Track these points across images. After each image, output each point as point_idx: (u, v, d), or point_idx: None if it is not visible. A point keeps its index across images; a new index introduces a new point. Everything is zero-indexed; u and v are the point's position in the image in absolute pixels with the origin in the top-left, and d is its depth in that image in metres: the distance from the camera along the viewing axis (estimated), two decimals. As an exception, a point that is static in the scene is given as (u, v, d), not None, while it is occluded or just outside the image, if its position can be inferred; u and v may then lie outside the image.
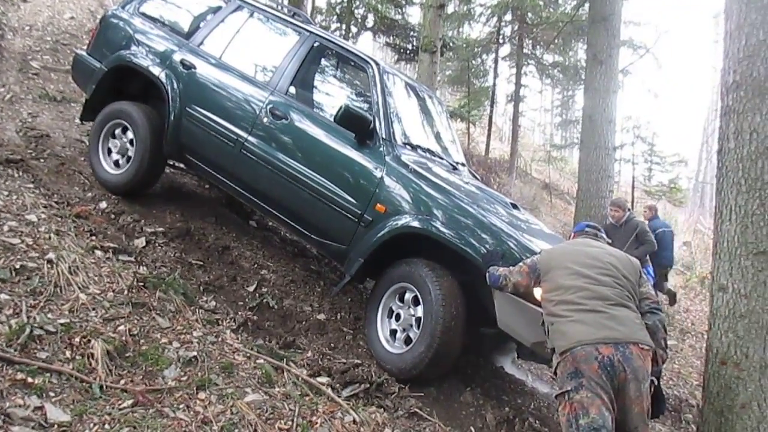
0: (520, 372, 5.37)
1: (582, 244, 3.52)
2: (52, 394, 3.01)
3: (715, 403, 3.60)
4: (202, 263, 4.91)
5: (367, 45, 21.56)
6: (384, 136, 4.50)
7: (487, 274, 3.73)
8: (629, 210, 7.74)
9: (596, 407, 2.80)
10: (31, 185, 4.97)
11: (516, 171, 15.79)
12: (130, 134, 5.28)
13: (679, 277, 12.54)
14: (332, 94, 5.36)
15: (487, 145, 16.36)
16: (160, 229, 5.10)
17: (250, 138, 4.83)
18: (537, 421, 4.37)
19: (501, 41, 16.27)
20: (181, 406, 3.24)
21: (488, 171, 13.62)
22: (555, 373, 3.11)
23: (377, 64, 4.85)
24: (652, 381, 3.04)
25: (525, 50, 16.37)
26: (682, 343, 8.35)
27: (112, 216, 5.06)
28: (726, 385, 3.55)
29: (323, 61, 5.36)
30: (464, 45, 15.58)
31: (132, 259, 4.52)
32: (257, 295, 4.78)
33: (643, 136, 15.95)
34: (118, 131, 5.36)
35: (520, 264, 3.56)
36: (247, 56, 5.25)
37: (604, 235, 3.76)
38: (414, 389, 4.00)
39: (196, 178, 6.53)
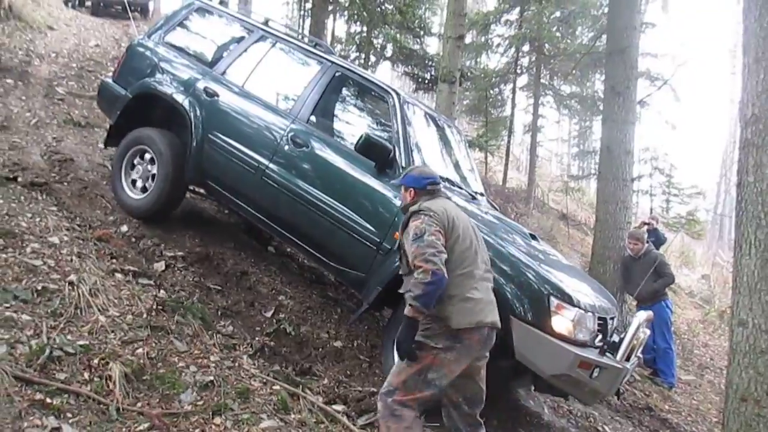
0: (536, 405, 5.32)
1: (454, 207, 3.41)
2: (69, 415, 3.04)
3: (735, 440, 3.54)
4: (220, 288, 4.95)
5: (385, 74, 21.80)
6: (404, 165, 4.54)
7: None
8: (648, 242, 7.68)
9: (452, 372, 3.12)
10: (54, 208, 5.06)
11: (533, 201, 15.77)
12: (150, 158, 5.37)
13: (698, 311, 12.39)
14: (353, 123, 5.43)
15: (505, 174, 16.37)
16: (180, 253, 5.16)
17: (271, 165, 4.89)
18: (553, 455, 4.32)
19: (519, 72, 16.38)
20: (197, 430, 3.25)
21: (506, 200, 13.61)
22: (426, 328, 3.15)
23: (398, 94, 4.91)
24: None
25: (542, 81, 16.46)
26: (700, 378, 8.22)
27: (133, 240, 5.13)
28: (746, 423, 3.50)
29: (344, 91, 5.44)
30: (482, 75, 15.69)
31: (151, 282, 4.56)
32: (274, 321, 4.79)
33: (660, 167, 15.86)
34: (140, 157, 5.46)
35: (436, 232, 3.13)
36: (269, 85, 5.35)
37: None
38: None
39: (215, 204, 6.60)
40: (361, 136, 4.45)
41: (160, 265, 4.90)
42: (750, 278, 3.59)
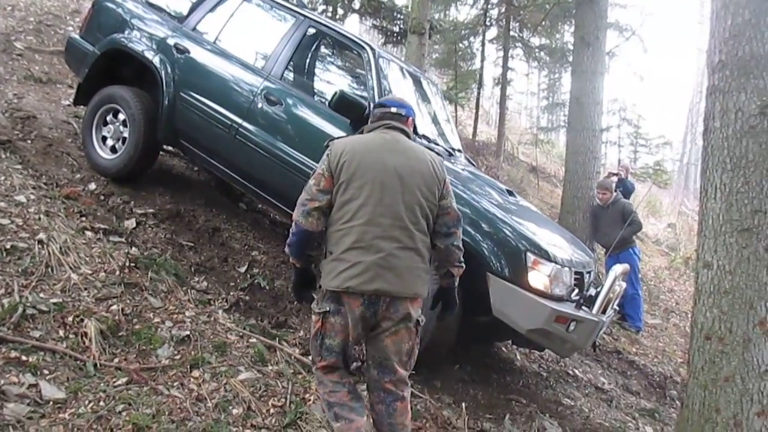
0: (509, 351, 5.45)
1: (380, 145, 2.82)
2: (46, 372, 3.05)
3: (699, 377, 3.67)
4: (192, 244, 4.93)
5: (353, 27, 21.42)
6: None
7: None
8: (616, 192, 7.80)
9: (347, 336, 2.74)
10: (19, 166, 4.95)
11: (503, 154, 15.81)
12: (123, 118, 5.25)
13: (664, 258, 12.69)
14: (327, 79, 5.34)
15: (475, 128, 16.34)
16: (150, 210, 5.11)
17: (244, 123, 4.81)
18: (524, 399, 4.45)
19: (488, 24, 16.22)
20: (175, 383, 3.28)
21: (476, 154, 13.62)
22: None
23: (372, 48, 4.83)
24: (417, 321, 2.84)
25: (512, 33, 16.31)
26: (666, 322, 8.48)
27: (102, 197, 5.06)
28: (710, 360, 3.62)
29: (318, 46, 5.33)
30: (451, 28, 15.51)
31: (123, 240, 4.53)
32: (248, 276, 4.81)
33: (629, 118, 16.06)
34: (112, 116, 5.33)
35: (318, 175, 2.79)
36: (241, 41, 5.21)
37: (406, 121, 3.01)
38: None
39: (185, 161, 6.51)
40: (335, 93, 4.36)
41: (130, 223, 4.85)
42: (715, 221, 3.67)
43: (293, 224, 2.77)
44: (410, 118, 3.03)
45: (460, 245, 2.96)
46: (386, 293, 2.67)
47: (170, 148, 5.84)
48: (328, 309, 2.74)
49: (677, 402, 5.47)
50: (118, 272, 3.99)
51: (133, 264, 4.14)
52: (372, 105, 3.11)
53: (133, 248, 4.45)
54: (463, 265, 3.01)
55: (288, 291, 4.77)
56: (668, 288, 10.32)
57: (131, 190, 5.31)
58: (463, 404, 3.83)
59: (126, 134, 5.21)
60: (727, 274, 3.60)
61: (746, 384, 3.53)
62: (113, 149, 5.33)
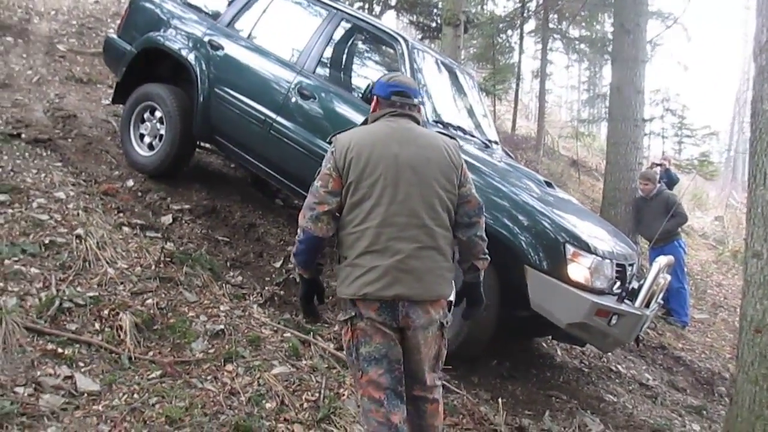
0: (549, 347, 5.33)
1: (388, 135, 2.56)
2: (81, 364, 3.08)
3: (749, 372, 3.51)
4: (228, 240, 4.95)
5: (390, 23, 21.44)
6: None
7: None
8: (660, 183, 7.58)
9: (380, 339, 2.46)
10: (59, 164, 5.05)
11: (543, 148, 15.57)
12: (159, 115, 5.30)
13: (711, 252, 12.32)
14: (361, 72, 5.30)
15: (514, 122, 16.15)
16: (187, 206, 5.15)
17: (278, 118, 4.80)
18: (565, 395, 4.34)
19: (526, 16, 16.00)
20: (208, 377, 3.28)
21: (515, 148, 13.42)
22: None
23: (406, 40, 4.77)
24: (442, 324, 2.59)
25: (551, 25, 16.05)
26: (714, 317, 8.20)
27: (139, 194, 5.12)
28: (761, 353, 3.45)
29: (351, 39, 5.28)
30: (488, 21, 15.34)
31: (159, 235, 4.57)
32: (284, 270, 4.79)
33: (672, 108, 15.57)
34: (150, 113, 5.39)
35: (324, 175, 2.53)
36: (274, 36, 5.20)
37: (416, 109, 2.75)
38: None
39: (221, 158, 6.55)
40: (368, 86, 4.32)
41: (167, 219, 4.89)
42: (764, 209, 3.49)
43: (300, 231, 2.51)
44: (418, 102, 2.77)
45: (484, 235, 2.69)
46: (406, 298, 2.44)
47: (206, 145, 5.87)
48: (353, 313, 2.49)
49: (725, 399, 5.27)
50: (153, 267, 4.02)
51: (168, 259, 4.17)
52: (372, 86, 2.82)
53: (169, 243, 4.47)
54: (488, 258, 2.75)
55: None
56: (716, 282, 10.00)
57: (168, 186, 5.36)
58: (501, 400, 3.73)
59: (163, 131, 5.27)
60: (778, 264, 3.43)
61: (799, 379, 3.37)
62: (150, 146, 5.39)
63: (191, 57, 5.19)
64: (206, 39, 5.23)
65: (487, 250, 2.73)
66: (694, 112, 15.94)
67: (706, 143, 16.06)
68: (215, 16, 5.52)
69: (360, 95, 4.53)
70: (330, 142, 2.61)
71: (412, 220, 2.47)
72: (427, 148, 2.57)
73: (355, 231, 2.47)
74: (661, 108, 15.66)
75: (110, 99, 5.95)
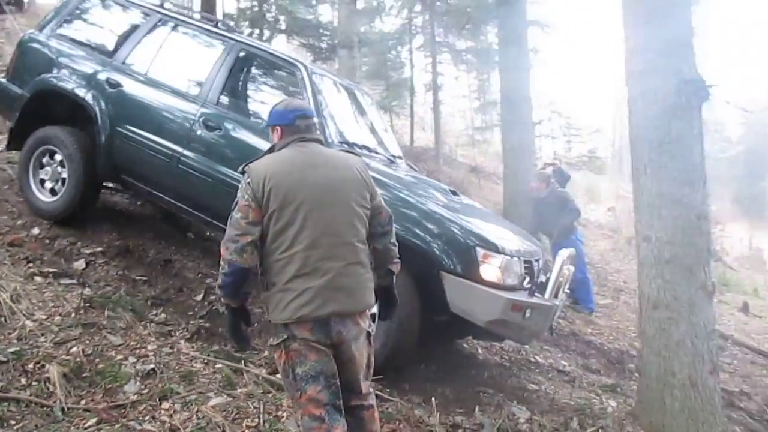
0: (470, 347, 5.58)
1: (303, 162, 2.65)
2: (12, 422, 3.00)
3: (652, 345, 3.88)
4: (146, 278, 4.89)
5: (281, 47, 21.49)
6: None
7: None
8: (553, 182, 8.06)
9: (315, 358, 2.54)
10: (-44, 220, 4.83)
11: (442, 158, 16.07)
12: (60, 158, 5.17)
13: (608, 241, 13.13)
14: (263, 99, 5.35)
15: (411, 134, 16.58)
16: (99, 249, 5.05)
17: (185, 152, 4.81)
18: (491, 389, 4.57)
19: (414, 32, 16.53)
20: (146, 418, 3.26)
21: (416, 160, 13.79)
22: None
23: (305, 65, 4.90)
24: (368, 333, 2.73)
25: (438, 38, 16.66)
26: (617, 301, 8.79)
27: (47, 241, 4.97)
28: (660, 327, 3.83)
29: (251, 68, 5.33)
30: (378, 39, 15.75)
31: (74, 281, 4.47)
32: (206, 303, 4.80)
33: (559, 110, 16.55)
34: (49, 157, 5.25)
35: (244, 206, 2.56)
36: (173, 70, 5.19)
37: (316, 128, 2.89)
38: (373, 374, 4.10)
39: (127, 196, 6.44)
40: (278, 103, 4.41)
41: (80, 264, 4.78)
42: (648, 196, 3.89)
43: (225, 264, 2.52)
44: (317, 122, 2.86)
45: (395, 241, 2.90)
46: (339, 314, 2.56)
47: (111, 184, 5.77)
48: (286, 336, 2.55)
49: (635, 374, 5.68)
50: (73, 314, 3.94)
51: (88, 304, 4.10)
52: (271, 113, 2.90)
53: (87, 288, 4.39)
54: (399, 261, 2.94)
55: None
56: (615, 269, 10.68)
57: (76, 230, 5.23)
58: (434, 401, 3.91)
59: (65, 175, 5.14)
60: (666, 245, 3.82)
61: (696, 346, 3.75)
62: (53, 191, 5.24)
63: (89, 96, 5.11)
64: (103, 77, 5.16)
65: (398, 254, 2.92)
66: (579, 112, 16.95)
67: (593, 140, 17.13)
68: (108, 53, 5.45)
69: (264, 122, 4.61)
70: (243, 173, 2.64)
71: (337, 240, 2.58)
72: (339, 169, 2.70)
73: (282, 257, 2.54)
74: (548, 110, 16.58)
75: (4, 146, 5.74)
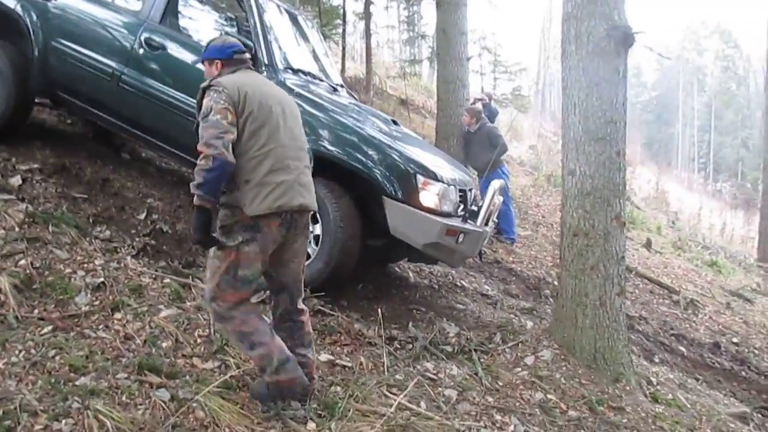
0: (402, 270, 5.91)
1: (258, 81, 3.07)
2: (-32, 329, 3.06)
3: (570, 269, 4.27)
4: (86, 196, 4.89)
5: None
6: (266, 62, 4.60)
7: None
8: (482, 117, 8.34)
9: (262, 263, 2.93)
10: None
11: (373, 89, 16.11)
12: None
13: (529, 177, 13.70)
14: (208, 22, 5.30)
15: (343, 64, 16.45)
16: (35, 166, 4.97)
17: (126, 70, 4.76)
18: (423, 308, 4.92)
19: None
20: (100, 326, 3.40)
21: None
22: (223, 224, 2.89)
23: None
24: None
25: (371, -34, 16.43)
26: (536, 233, 9.33)
27: (-21, 157, 4.86)
28: (578, 253, 4.21)
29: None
30: (311, -37, 15.36)
31: (13, 197, 4.42)
32: (149, 222, 4.87)
33: (489, 47, 16.81)
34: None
35: (222, 110, 2.80)
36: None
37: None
38: (315, 291, 4.34)
39: (56, 114, 6.29)
40: (213, 39, 4.41)
41: (16, 180, 4.70)
42: (575, 133, 4.20)
43: (209, 161, 2.67)
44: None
45: None
46: (305, 208, 2.99)
47: (41, 100, 5.63)
48: (241, 239, 2.82)
49: (551, 299, 6.19)
50: (17, 228, 3.95)
51: (30, 219, 4.10)
52: (208, 48, 3.13)
53: (27, 205, 4.37)
54: None
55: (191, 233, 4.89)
56: (535, 204, 11.24)
57: (8, 147, 5.10)
58: (371, 318, 4.21)
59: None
60: (588, 178, 4.17)
61: (608, 270, 4.17)
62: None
63: (19, 8, 4.93)
64: None
65: None
66: (506, 50, 17.25)
67: (518, 79, 17.56)
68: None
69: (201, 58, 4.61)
70: (209, 87, 2.89)
71: (297, 143, 3.06)
72: (282, 92, 3.20)
73: (257, 154, 2.85)
74: (478, 46, 16.80)
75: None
